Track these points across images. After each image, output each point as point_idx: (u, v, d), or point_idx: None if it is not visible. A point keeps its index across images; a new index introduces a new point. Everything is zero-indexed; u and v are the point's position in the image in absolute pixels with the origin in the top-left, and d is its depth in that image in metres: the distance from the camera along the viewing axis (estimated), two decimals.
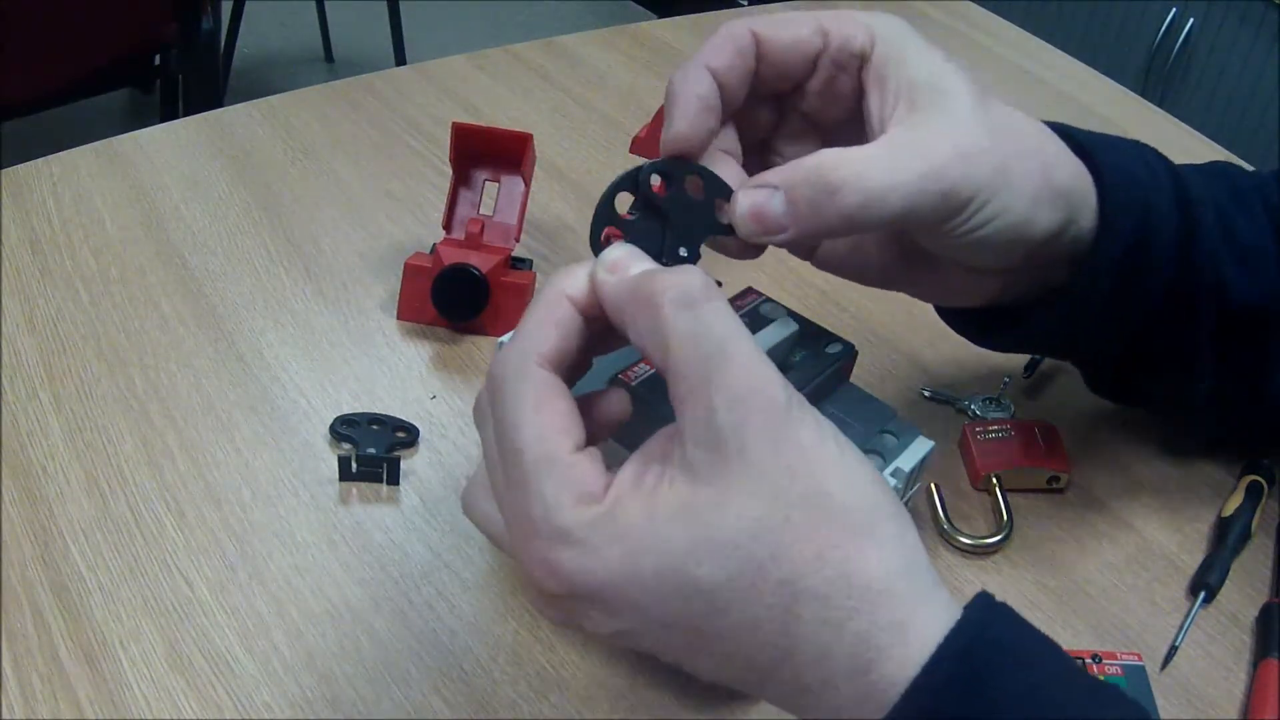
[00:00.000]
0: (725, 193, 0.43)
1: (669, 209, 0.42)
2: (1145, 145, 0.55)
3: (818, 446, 0.35)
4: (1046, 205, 0.47)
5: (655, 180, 0.42)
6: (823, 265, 0.52)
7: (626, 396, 0.40)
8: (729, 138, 0.46)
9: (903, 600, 0.34)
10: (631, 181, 0.42)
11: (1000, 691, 0.34)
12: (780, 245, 0.44)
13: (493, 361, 0.38)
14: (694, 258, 0.42)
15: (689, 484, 0.35)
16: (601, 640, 0.38)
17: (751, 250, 0.45)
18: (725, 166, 0.45)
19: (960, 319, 0.59)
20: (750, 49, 0.45)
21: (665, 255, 0.41)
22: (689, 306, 0.35)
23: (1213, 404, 0.60)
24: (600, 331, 0.39)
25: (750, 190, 0.43)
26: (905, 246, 0.51)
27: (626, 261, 0.38)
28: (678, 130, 0.43)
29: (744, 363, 0.35)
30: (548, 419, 0.36)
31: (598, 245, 0.41)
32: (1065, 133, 0.51)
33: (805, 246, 0.51)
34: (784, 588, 0.34)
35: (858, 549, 0.34)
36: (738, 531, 0.34)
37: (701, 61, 0.44)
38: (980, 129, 0.44)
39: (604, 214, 0.41)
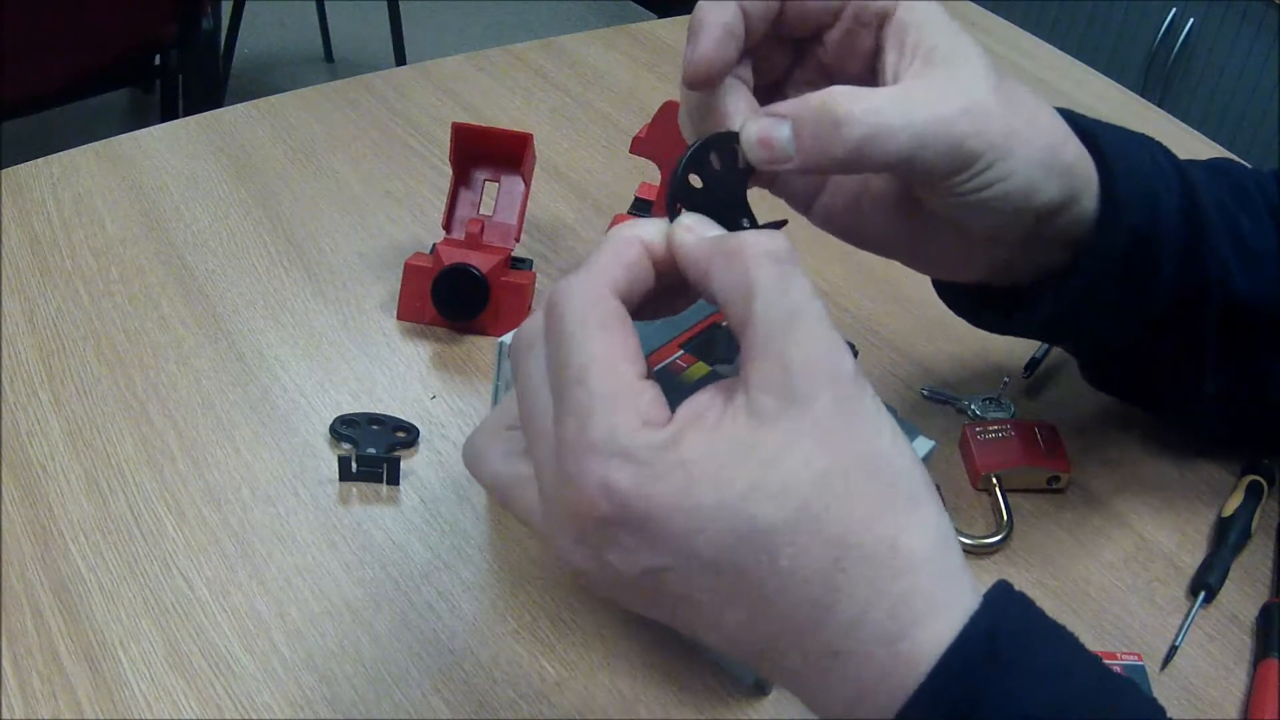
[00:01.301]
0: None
1: (717, 182, 0.42)
2: (1150, 139, 0.55)
3: (878, 418, 0.36)
4: (1051, 176, 0.48)
5: (713, 155, 0.43)
6: (821, 223, 0.52)
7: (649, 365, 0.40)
8: (743, 71, 0.46)
9: (941, 570, 0.35)
10: (700, 156, 0.42)
11: (1021, 676, 0.34)
12: (786, 174, 0.44)
13: (553, 290, 0.37)
14: (754, 225, 0.42)
15: (753, 425, 0.35)
16: (624, 592, 0.37)
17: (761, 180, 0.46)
18: (738, 94, 0.45)
19: (960, 298, 0.59)
20: None
21: (731, 226, 0.41)
22: (777, 263, 0.36)
23: (1217, 405, 0.60)
24: (656, 292, 0.39)
25: (760, 118, 0.43)
26: (906, 207, 0.51)
27: (700, 225, 0.39)
28: (702, 53, 0.43)
29: (821, 327, 0.36)
30: (618, 343, 0.36)
31: (673, 214, 0.41)
32: (1070, 117, 0.51)
33: (805, 195, 0.51)
34: (835, 542, 0.34)
35: (907, 515, 0.35)
36: (800, 478, 0.34)
37: None
38: (992, 92, 0.45)
39: (679, 187, 0.41)
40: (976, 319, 0.59)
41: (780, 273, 0.36)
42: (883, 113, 0.43)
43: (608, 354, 0.36)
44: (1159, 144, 0.55)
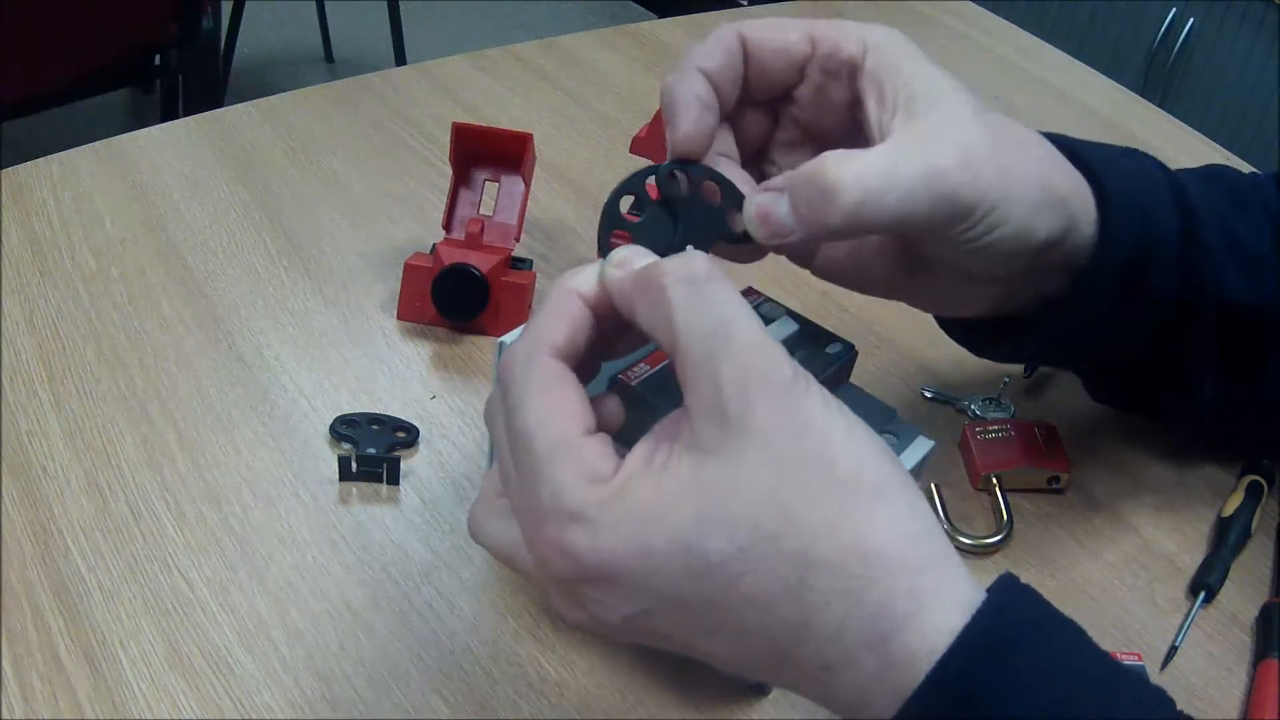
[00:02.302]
0: (739, 199, 0.44)
1: (682, 210, 0.43)
2: (1143, 153, 0.55)
3: (824, 419, 0.35)
4: (1048, 212, 0.47)
5: (678, 177, 0.43)
6: (822, 274, 0.52)
7: (619, 401, 0.41)
8: (726, 142, 0.47)
9: (918, 568, 0.35)
10: (636, 184, 0.43)
11: (1028, 668, 0.34)
12: (790, 246, 0.44)
13: (503, 354, 0.39)
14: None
15: (697, 459, 0.35)
16: (618, 636, 0.38)
17: (756, 254, 0.46)
18: (728, 169, 0.45)
19: (961, 330, 0.59)
20: (738, 52, 0.46)
21: (673, 253, 0.42)
22: (692, 285, 0.36)
23: (1215, 410, 0.60)
24: (608, 332, 0.40)
25: (757, 195, 0.44)
26: (905, 255, 0.51)
27: (633, 258, 0.39)
28: (684, 131, 0.44)
29: (748, 339, 0.35)
30: (556, 404, 0.37)
31: (606, 248, 0.41)
32: (1062, 143, 0.51)
33: (804, 252, 0.52)
34: (796, 559, 0.34)
35: (867, 516, 0.34)
36: (746, 503, 0.34)
37: (693, 64, 0.45)
38: (981, 135, 0.44)
39: (610, 217, 0.42)
40: (982, 351, 0.58)
41: (695, 293, 0.36)
42: (874, 176, 0.42)
43: (548, 415, 0.36)
44: (1149, 156, 0.55)
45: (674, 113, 0.44)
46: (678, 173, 0.43)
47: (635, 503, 0.35)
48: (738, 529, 0.34)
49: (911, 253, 0.50)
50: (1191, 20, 2.11)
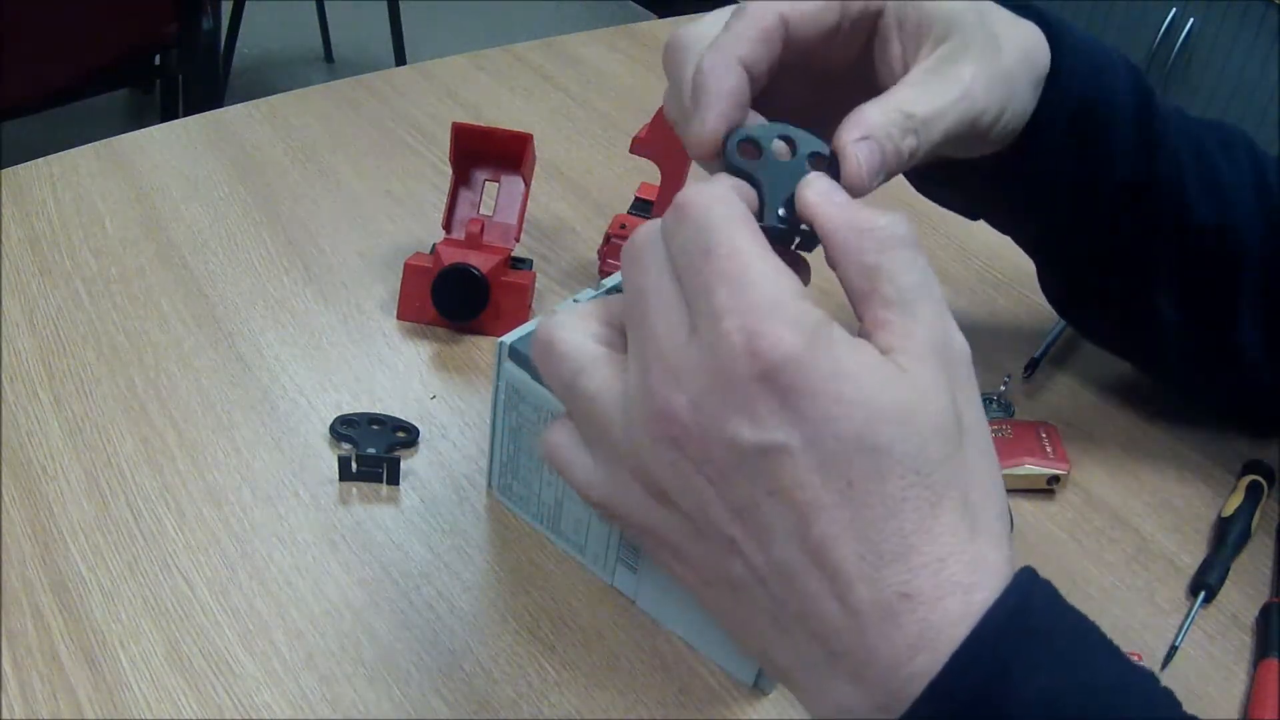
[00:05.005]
0: (816, 146, 0.42)
1: (760, 174, 0.41)
2: (1110, 47, 0.57)
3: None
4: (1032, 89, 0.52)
5: (747, 147, 0.42)
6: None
7: (808, 265, 0.41)
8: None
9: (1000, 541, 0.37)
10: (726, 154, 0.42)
11: (1047, 653, 0.34)
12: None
13: (682, 194, 0.37)
14: (790, 217, 0.41)
15: (893, 363, 0.36)
16: (722, 477, 0.35)
17: None
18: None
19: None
20: (779, 39, 0.44)
21: (764, 219, 0.40)
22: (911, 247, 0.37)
23: (1181, 351, 0.61)
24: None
25: (856, 146, 0.43)
26: (828, 81, 0.51)
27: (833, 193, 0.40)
28: (710, 135, 0.42)
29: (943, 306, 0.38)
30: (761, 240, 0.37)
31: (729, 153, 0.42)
32: (1040, 18, 0.53)
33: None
34: (941, 488, 0.35)
35: (990, 490, 0.37)
36: (933, 423, 0.35)
37: (734, 53, 0.42)
38: (992, 58, 0.48)
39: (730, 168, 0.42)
40: (928, 187, 0.60)
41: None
42: (923, 104, 0.45)
43: (758, 241, 0.36)
44: (1122, 55, 0.57)
45: (704, 105, 0.42)
46: (748, 142, 0.41)
47: (839, 348, 0.34)
48: (913, 435, 0.34)
49: (832, 80, 0.50)
50: (1191, 20, 2.11)
